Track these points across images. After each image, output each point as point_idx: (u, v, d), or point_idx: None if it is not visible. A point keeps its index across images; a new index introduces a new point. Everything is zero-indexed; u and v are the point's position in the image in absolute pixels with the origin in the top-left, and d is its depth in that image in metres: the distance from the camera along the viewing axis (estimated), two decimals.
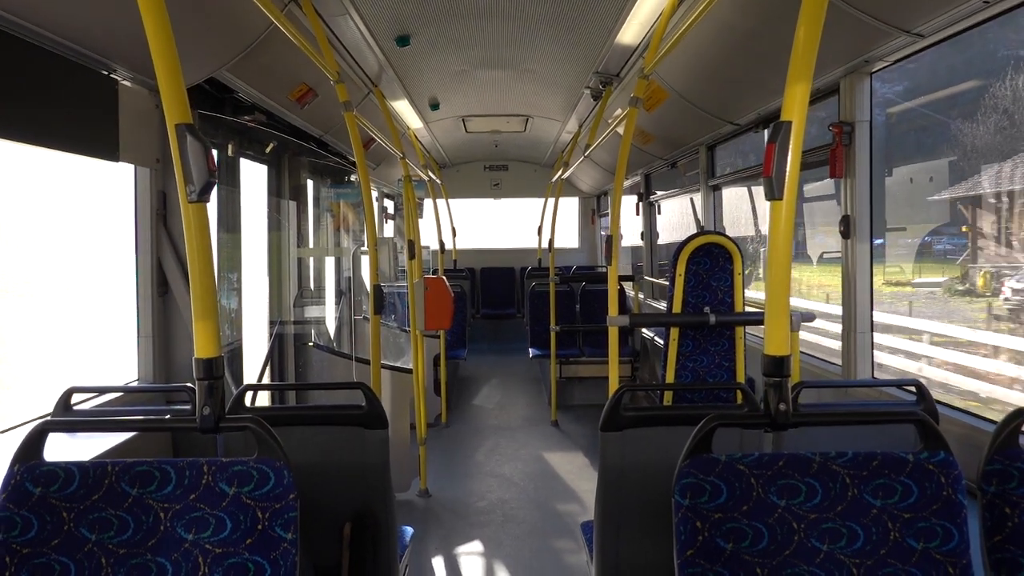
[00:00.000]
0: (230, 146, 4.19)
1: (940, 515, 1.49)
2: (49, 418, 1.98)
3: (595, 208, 11.55)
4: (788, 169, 1.48)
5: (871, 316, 3.29)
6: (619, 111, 5.53)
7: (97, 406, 2.89)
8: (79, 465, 1.54)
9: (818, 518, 1.51)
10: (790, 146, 1.47)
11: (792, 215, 1.51)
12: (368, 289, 6.53)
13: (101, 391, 2.88)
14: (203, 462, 1.54)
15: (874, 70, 3.18)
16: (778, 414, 1.53)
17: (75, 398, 2.50)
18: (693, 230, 6.45)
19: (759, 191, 5.93)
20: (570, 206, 11.77)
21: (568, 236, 11.81)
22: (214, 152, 1.51)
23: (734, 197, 5.98)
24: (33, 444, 1.55)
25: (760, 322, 3.79)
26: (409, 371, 5.06)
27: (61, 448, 1.56)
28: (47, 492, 1.51)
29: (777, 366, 1.52)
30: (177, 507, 1.53)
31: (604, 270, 10.23)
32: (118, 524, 1.52)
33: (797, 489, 1.52)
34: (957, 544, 1.48)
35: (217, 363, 1.54)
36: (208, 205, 1.54)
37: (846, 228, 3.31)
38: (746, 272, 3.83)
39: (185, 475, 1.53)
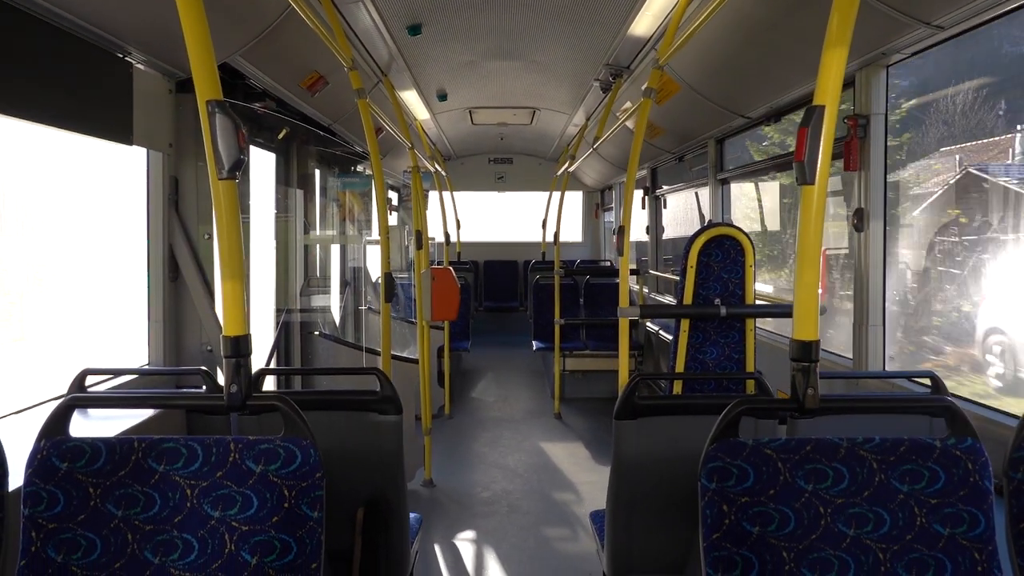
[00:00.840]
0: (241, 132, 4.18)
1: (967, 501, 1.49)
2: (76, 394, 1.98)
3: (599, 202, 11.54)
4: (820, 154, 1.48)
5: (883, 309, 3.29)
6: (628, 104, 5.52)
7: (110, 388, 2.89)
8: (105, 441, 1.54)
9: (845, 503, 1.51)
10: (823, 131, 1.46)
11: (823, 201, 1.51)
12: (374, 279, 6.52)
13: (115, 373, 2.88)
14: (230, 440, 1.54)
15: (891, 63, 3.17)
16: (807, 399, 1.53)
17: (89, 380, 2.50)
18: (697, 225, 6.45)
19: (765, 187, 5.93)
20: (574, 200, 11.76)
21: (572, 230, 11.81)
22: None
23: (740, 193, 5.98)
24: (59, 419, 1.55)
25: (771, 314, 3.79)
26: (414, 361, 5.06)
27: (76, 429, 1.55)
28: (73, 467, 1.51)
29: (806, 351, 1.52)
30: (204, 484, 1.53)
31: (608, 264, 10.23)
32: (144, 500, 1.52)
33: (824, 474, 1.52)
34: (983, 530, 1.49)
35: (245, 341, 1.54)
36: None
37: (859, 221, 3.31)
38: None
39: (212, 452, 1.53)
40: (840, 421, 2.33)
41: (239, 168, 1.50)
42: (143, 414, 2.55)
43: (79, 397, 1.60)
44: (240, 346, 1.53)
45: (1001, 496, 1.58)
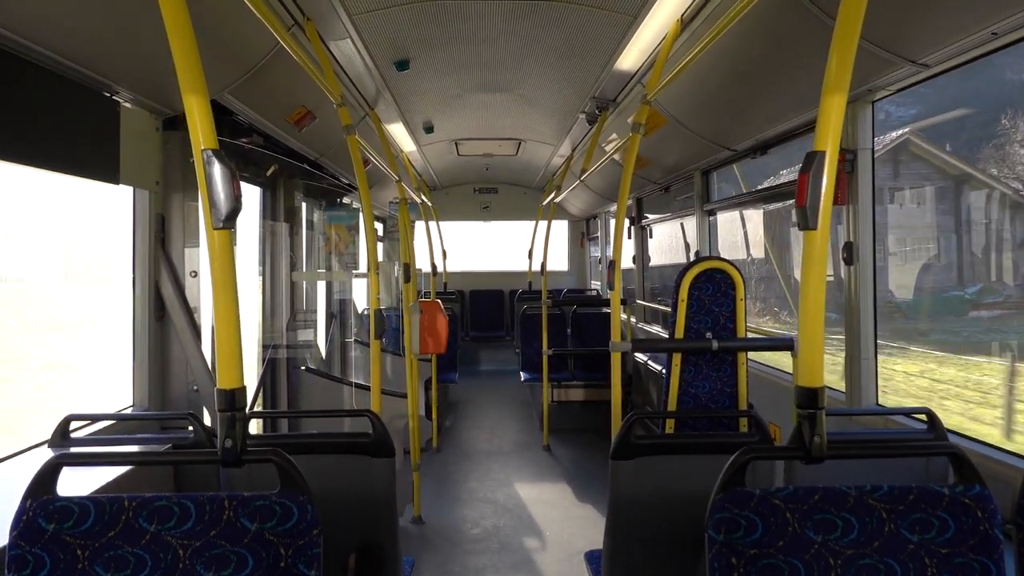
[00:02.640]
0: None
1: (977, 551, 1.47)
2: (39, 450, 1.91)
3: (584, 231, 11.58)
4: (822, 199, 1.47)
5: (875, 342, 3.30)
6: (614, 135, 5.55)
7: (93, 433, 2.82)
8: (94, 500, 1.48)
9: (855, 553, 1.48)
10: (824, 176, 1.46)
11: (826, 245, 1.50)
12: (360, 313, 6.46)
13: (99, 419, 2.81)
14: (224, 497, 1.49)
15: (876, 98, 3.21)
16: (813, 446, 1.50)
17: (73, 425, 2.43)
18: (683, 254, 6.47)
19: (750, 216, 5.97)
20: (559, 229, 11.79)
21: (558, 259, 11.82)
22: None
23: (727, 222, 6.01)
24: (46, 479, 1.49)
25: (762, 348, 3.79)
26: (403, 395, 5.00)
27: (61, 478, 1.49)
28: (61, 529, 1.45)
29: (811, 398, 1.50)
30: (197, 544, 1.47)
31: (594, 293, 10.24)
32: (135, 562, 1.46)
33: (833, 524, 1.49)
34: None
35: (240, 394, 1.50)
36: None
37: (849, 255, 3.32)
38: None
39: (205, 510, 1.48)
40: (838, 462, 2.31)
41: (235, 217, 1.47)
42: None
43: (66, 455, 1.55)
44: (235, 399, 1.49)
45: (1010, 540, 1.56)
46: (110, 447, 2.52)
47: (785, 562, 1.47)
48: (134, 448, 2.55)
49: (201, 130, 1.45)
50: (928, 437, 2.36)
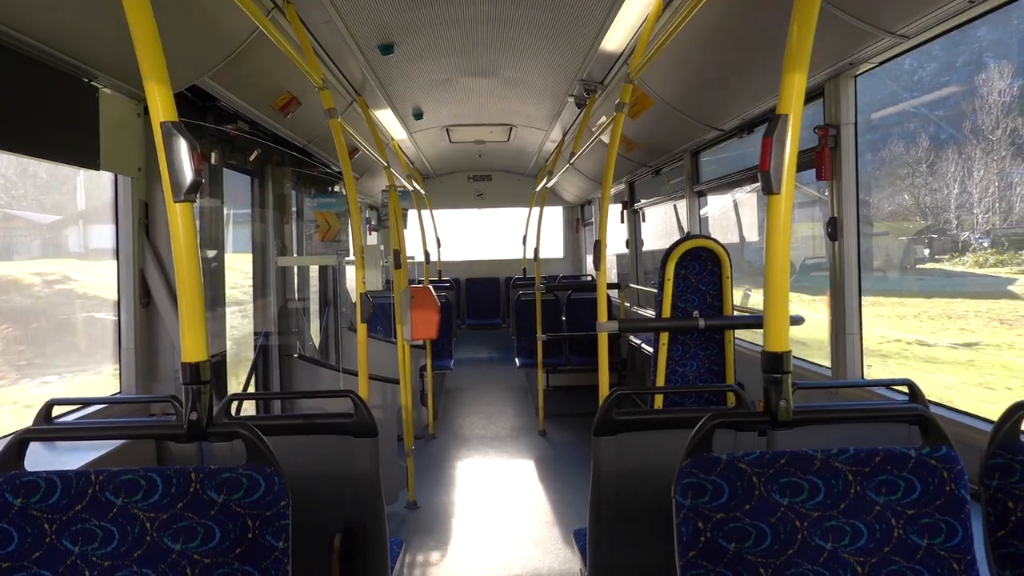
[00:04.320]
0: (213, 155, 4.14)
1: (944, 511, 1.48)
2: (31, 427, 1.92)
3: (579, 217, 11.57)
4: (785, 163, 1.47)
5: (860, 318, 3.30)
6: (603, 119, 5.54)
7: (78, 419, 2.82)
8: (61, 475, 1.49)
9: (821, 516, 1.48)
10: (787, 139, 1.46)
11: (790, 210, 1.50)
12: (352, 299, 6.46)
13: (83, 403, 2.81)
14: (191, 470, 1.49)
15: (859, 72, 3.20)
16: (779, 411, 1.50)
17: (56, 411, 2.43)
18: (677, 237, 6.46)
19: (743, 200, 5.96)
20: (554, 216, 11.78)
21: (553, 246, 11.82)
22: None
23: (720, 205, 6.00)
24: (12, 454, 1.50)
25: (748, 326, 3.79)
26: (395, 381, 5.01)
27: (42, 463, 1.50)
28: (28, 503, 1.46)
29: (777, 362, 1.50)
30: (164, 516, 1.48)
31: (590, 279, 10.24)
32: (102, 535, 1.47)
33: (799, 487, 1.49)
34: (961, 540, 1.47)
35: (204, 367, 1.50)
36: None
37: (834, 230, 3.32)
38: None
39: (172, 483, 1.49)
40: (820, 431, 2.31)
41: (196, 190, 1.46)
42: (111, 444, 2.49)
43: (32, 430, 1.55)
44: (199, 373, 1.49)
45: (978, 501, 1.56)
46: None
47: (752, 525, 1.47)
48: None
49: (160, 102, 1.45)
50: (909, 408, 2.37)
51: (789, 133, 1.46)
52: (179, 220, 1.48)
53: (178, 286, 1.51)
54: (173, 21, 2.80)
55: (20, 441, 1.51)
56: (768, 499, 1.49)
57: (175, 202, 1.46)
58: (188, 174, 1.44)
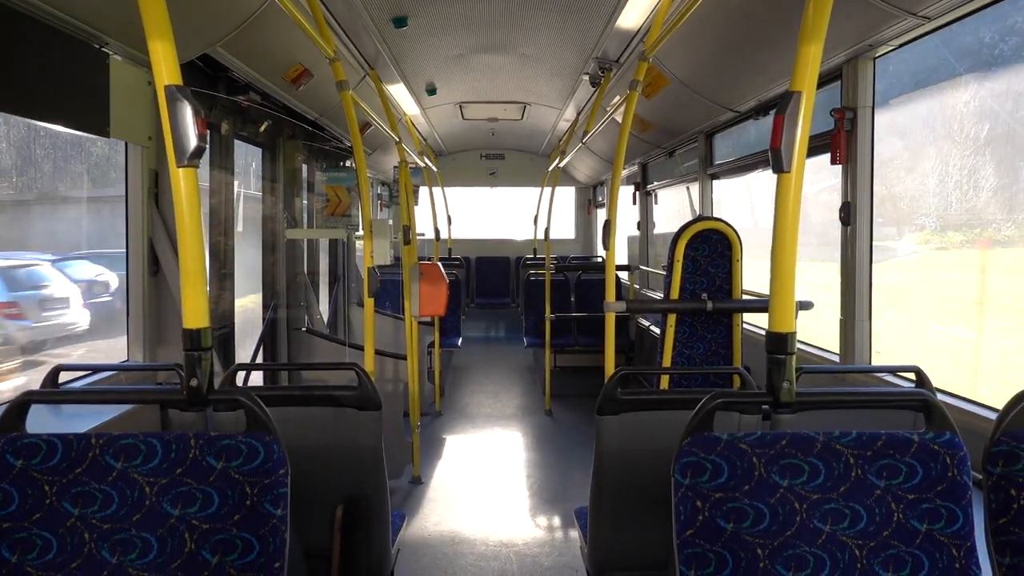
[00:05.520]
0: (224, 125, 4.13)
1: (945, 496, 1.46)
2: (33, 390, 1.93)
3: (591, 198, 11.51)
4: (797, 141, 1.44)
5: (870, 304, 3.26)
6: (618, 98, 5.48)
7: (85, 385, 2.85)
8: (62, 437, 1.49)
9: (821, 499, 1.47)
10: (799, 117, 1.43)
11: (800, 189, 1.47)
12: (362, 274, 6.49)
13: (90, 369, 2.83)
14: (190, 435, 1.50)
15: (878, 55, 3.14)
16: (781, 392, 1.49)
17: (63, 377, 2.45)
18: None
19: (756, 182, 5.90)
20: (567, 196, 11.72)
21: (564, 227, 11.77)
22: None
23: (733, 187, 5.94)
24: (14, 416, 1.51)
25: (758, 309, 3.76)
26: (403, 358, 5.02)
27: (47, 427, 1.51)
28: (28, 465, 1.47)
29: (781, 343, 1.49)
30: (163, 481, 1.48)
31: (600, 260, 10.20)
32: (102, 498, 1.48)
33: (800, 469, 1.48)
34: (962, 526, 1.45)
35: (205, 334, 1.49)
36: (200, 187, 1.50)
37: (846, 215, 3.27)
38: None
39: (172, 449, 1.49)
40: (824, 416, 2.30)
41: (200, 155, 1.45)
42: (116, 410, 2.51)
43: (34, 392, 1.56)
44: (201, 339, 1.49)
45: (980, 488, 1.54)
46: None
47: (750, 506, 1.47)
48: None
49: (165, 66, 1.44)
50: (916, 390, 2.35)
51: (802, 110, 1.43)
52: (182, 185, 1.47)
53: (180, 252, 1.50)
54: None
55: (21, 403, 1.52)
56: (768, 480, 1.48)
57: (178, 167, 1.45)
58: (192, 139, 1.43)
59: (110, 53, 2.90)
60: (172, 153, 1.44)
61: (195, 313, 1.48)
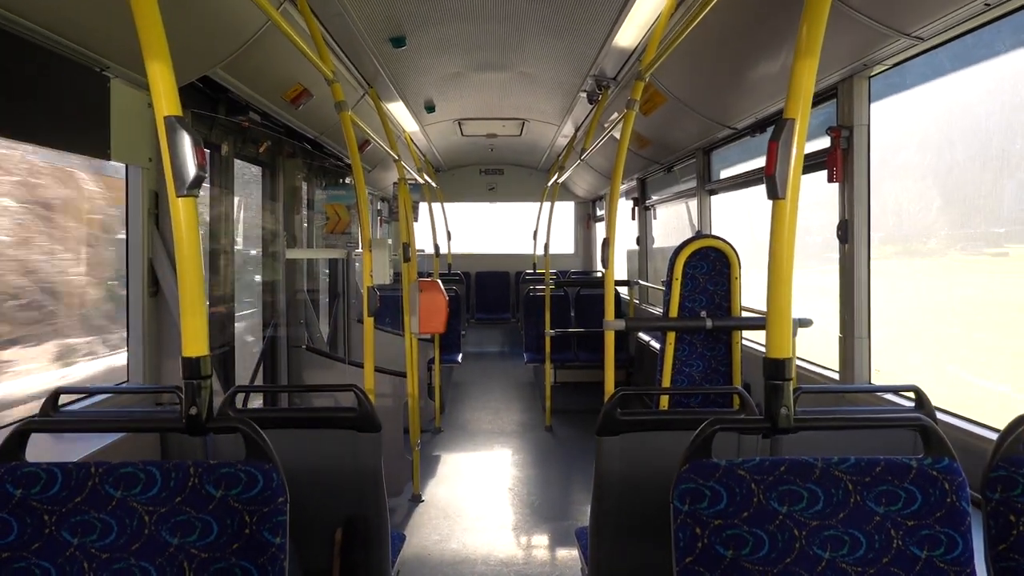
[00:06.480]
0: (224, 146, 4.15)
1: (944, 523, 1.46)
2: (32, 418, 1.94)
3: (591, 213, 11.54)
4: (791, 168, 1.45)
5: (869, 321, 3.27)
6: (615, 115, 5.51)
7: (85, 407, 2.85)
8: (61, 466, 1.49)
9: (820, 525, 1.47)
10: (793, 144, 1.44)
11: (795, 215, 1.48)
12: (362, 292, 6.48)
13: (90, 392, 2.84)
14: (189, 464, 1.50)
15: (873, 74, 3.16)
16: (779, 418, 1.49)
17: (63, 399, 2.45)
18: (690, 235, 6.43)
19: (754, 196, 5.91)
20: (566, 211, 11.75)
21: (564, 241, 11.79)
22: (205, 149, 1.46)
23: (733, 198, 5.95)
24: (14, 445, 1.51)
25: (757, 327, 3.76)
26: (402, 375, 5.02)
27: (47, 451, 1.51)
28: (28, 494, 1.47)
29: (779, 369, 1.49)
30: (162, 510, 1.48)
31: (600, 275, 10.21)
32: (101, 527, 1.48)
33: (799, 495, 1.48)
34: (961, 552, 1.45)
35: (204, 362, 1.50)
36: (201, 207, 1.51)
37: (844, 233, 3.29)
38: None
39: (171, 477, 1.49)
40: (825, 436, 2.30)
41: (199, 185, 1.46)
42: (116, 435, 2.51)
43: (34, 421, 1.56)
44: (200, 367, 1.49)
45: (979, 509, 1.54)
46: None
47: (749, 532, 1.47)
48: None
49: (165, 97, 1.45)
50: (915, 415, 2.35)
51: (796, 137, 1.44)
52: (181, 214, 1.48)
53: (179, 281, 1.51)
54: (185, 11, 2.81)
55: (21, 432, 1.52)
56: (767, 506, 1.48)
57: (178, 196, 1.46)
58: (191, 169, 1.44)
59: (111, 76, 2.93)
60: (171, 183, 1.45)
61: (194, 341, 1.49)
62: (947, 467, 1.48)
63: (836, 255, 3.41)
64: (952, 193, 3.43)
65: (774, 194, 1.47)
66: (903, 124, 3.45)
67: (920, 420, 1.54)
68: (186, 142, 1.43)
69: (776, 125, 1.46)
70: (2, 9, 2.15)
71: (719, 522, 1.47)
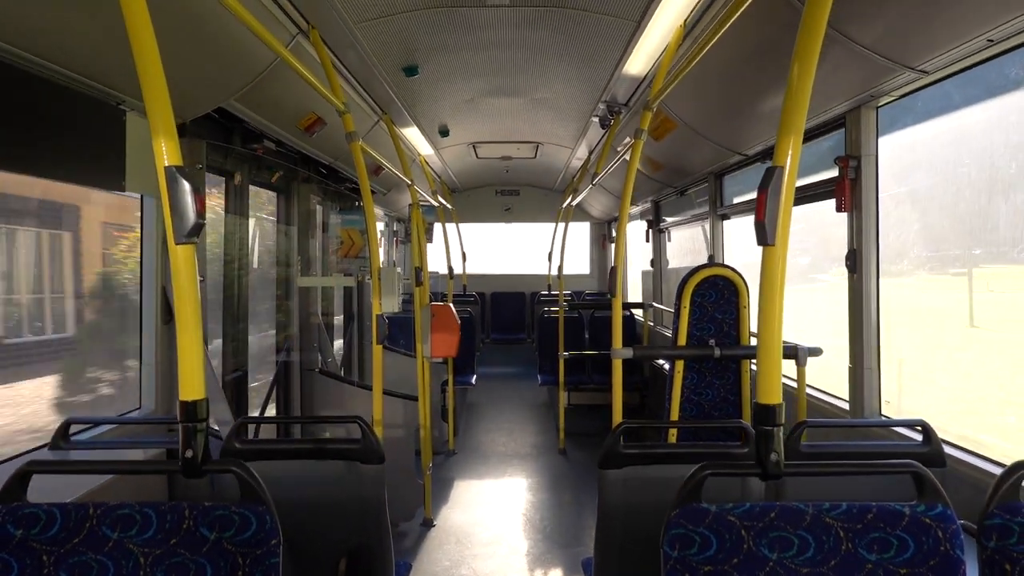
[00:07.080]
0: (238, 175, 4.22)
1: (938, 571, 1.44)
2: (40, 452, 1.98)
3: (606, 233, 11.54)
4: (780, 214, 1.46)
5: (878, 352, 3.24)
6: (628, 139, 5.52)
7: (97, 435, 2.89)
8: (61, 507, 1.53)
9: (811, 572, 1.46)
10: (782, 192, 1.45)
11: (785, 261, 1.48)
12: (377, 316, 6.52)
13: (99, 422, 2.88)
14: (185, 506, 1.52)
15: (880, 104, 3.16)
16: (769, 464, 1.49)
17: (74, 428, 2.50)
18: (706, 256, 6.42)
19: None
20: (581, 232, 11.76)
21: (579, 262, 11.79)
22: (206, 194, 1.50)
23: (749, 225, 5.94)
24: (16, 486, 1.54)
25: None
26: (414, 399, 5.03)
27: (53, 480, 1.54)
28: (28, 535, 1.50)
29: (768, 415, 1.49)
30: (157, 552, 1.51)
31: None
32: (97, 568, 1.50)
33: (789, 542, 1.47)
34: None
35: (200, 406, 1.52)
36: (216, 232, 1.54)
37: (853, 262, 3.27)
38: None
39: (166, 519, 1.52)
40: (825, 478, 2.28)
41: (198, 232, 1.50)
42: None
43: (36, 463, 1.59)
44: (196, 411, 1.52)
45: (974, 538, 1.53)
46: (101, 451, 2.58)
47: None
48: (126, 454, 2.61)
49: (166, 148, 1.49)
50: (922, 449, 2.32)
51: (784, 186, 1.45)
52: (180, 261, 1.51)
53: (177, 325, 1.54)
54: (198, 46, 2.87)
55: (23, 474, 1.56)
56: (757, 553, 1.47)
57: (176, 244, 1.49)
58: (191, 217, 1.47)
59: (127, 110, 2.99)
60: (171, 231, 1.48)
61: (191, 385, 1.51)
62: (941, 514, 1.47)
63: (820, 275, 3.40)
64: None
65: (763, 240, 1.48)
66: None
67: (912, 466, 1.53)
68: (186, 191, 1.46)
69: (765, 173, 1.47)
70: (14, 47, 2.21)
71: (709, 568, 1.47)
